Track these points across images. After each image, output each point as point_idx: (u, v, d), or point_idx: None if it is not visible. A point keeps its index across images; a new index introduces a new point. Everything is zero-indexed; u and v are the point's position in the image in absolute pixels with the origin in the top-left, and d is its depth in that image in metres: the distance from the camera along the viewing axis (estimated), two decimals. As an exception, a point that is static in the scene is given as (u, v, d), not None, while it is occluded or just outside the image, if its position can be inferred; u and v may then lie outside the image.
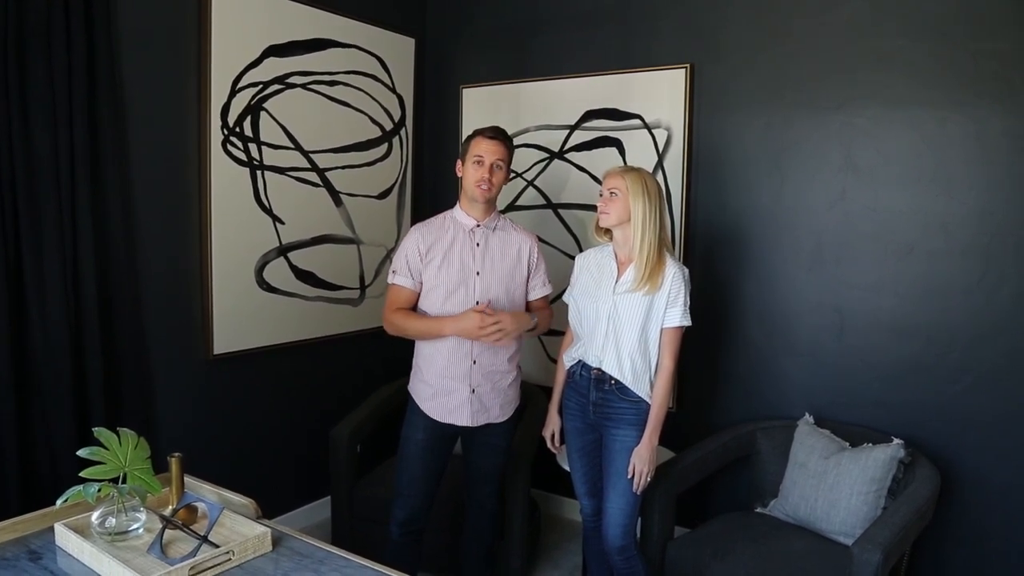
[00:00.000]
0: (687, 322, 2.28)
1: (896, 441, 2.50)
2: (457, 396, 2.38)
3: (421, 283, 2.40)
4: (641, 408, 2.29)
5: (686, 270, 2.32)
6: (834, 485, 2.49)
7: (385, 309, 2.43)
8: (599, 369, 2.31)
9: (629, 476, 2.27)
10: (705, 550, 2.45)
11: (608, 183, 2.27)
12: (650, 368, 2.30)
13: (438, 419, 2.39)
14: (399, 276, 2.39)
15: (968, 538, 2.65)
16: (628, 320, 2.26)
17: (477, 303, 2.36)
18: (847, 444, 2.62)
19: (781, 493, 2.69)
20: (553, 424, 2.51)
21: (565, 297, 2.49)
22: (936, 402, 2.67)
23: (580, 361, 2.39)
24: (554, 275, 2.62)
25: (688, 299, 2.28)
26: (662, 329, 2.28)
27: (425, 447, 2.41)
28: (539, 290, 2.52)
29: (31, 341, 2.31)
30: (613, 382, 2.29)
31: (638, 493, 2.30)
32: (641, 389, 2.28)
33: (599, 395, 2.32)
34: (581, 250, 2.60)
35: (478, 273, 2.38)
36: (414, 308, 2.43)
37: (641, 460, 2.27)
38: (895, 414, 2.73)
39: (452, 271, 2.36)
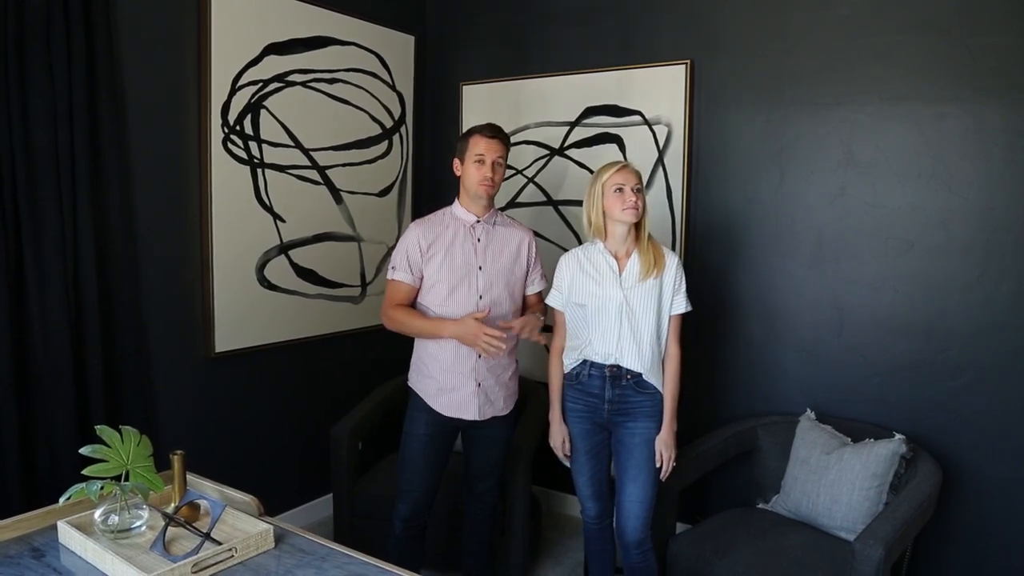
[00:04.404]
0: (690, 308, 2.38)
1: (898, 436, 2.50)
2: (464, 391, 2.39)
3: (421, 279, 2.41)
4: (656, 399, 2.33)
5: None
6: (836, 480, 2.50)
7: (384, 304, 2.45)
8: (615, 366, 2.32)
9: (658, 465, 2.31)
10: (706, 546, 2.46)
11: (631, 179, 2.29)
12: (661, 358, 2.35)
13: (447, 414, 2.40)
14: (398, 272, 2.40)
15: (968, 534, 2.66)
16: (642, 311, 2.30)
17: (480, 297, 2.37)
18: (849, 440, 2.63)
19: (783, 489, 2.70)
20: (562, 432, 2.43)
21: (554, 302, 2.45)
22: (935, 398, 2.67)
23: (585, 361, 2.37)
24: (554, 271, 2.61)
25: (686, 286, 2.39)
26: (670, 317, 2.35)
27: (427, 442, 2.43)
28: (537, 284, 2.55)
29: (32, 339, 2.31)
30: (629, 376, 2.31)
31: (664, 480, 2.35)
32: (656, 379, 2.33)
33: (616, 392, 2.32)
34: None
35: (480, 268, 2.39)
36: (414, 303, 2.44)
37: (667, 447, 2.32)
38: (894, 410, 2.73)
39: (454, 267, 2.37)
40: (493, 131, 2.38)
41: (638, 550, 2.34)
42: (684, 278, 2.36)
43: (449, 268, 2.37)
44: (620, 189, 2.28)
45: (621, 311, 2.30)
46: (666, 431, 2.33)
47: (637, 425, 2.33)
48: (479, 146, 2.35)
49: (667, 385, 2.34)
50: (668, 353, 2.36)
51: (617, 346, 2.31)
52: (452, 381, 2.39)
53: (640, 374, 2.30)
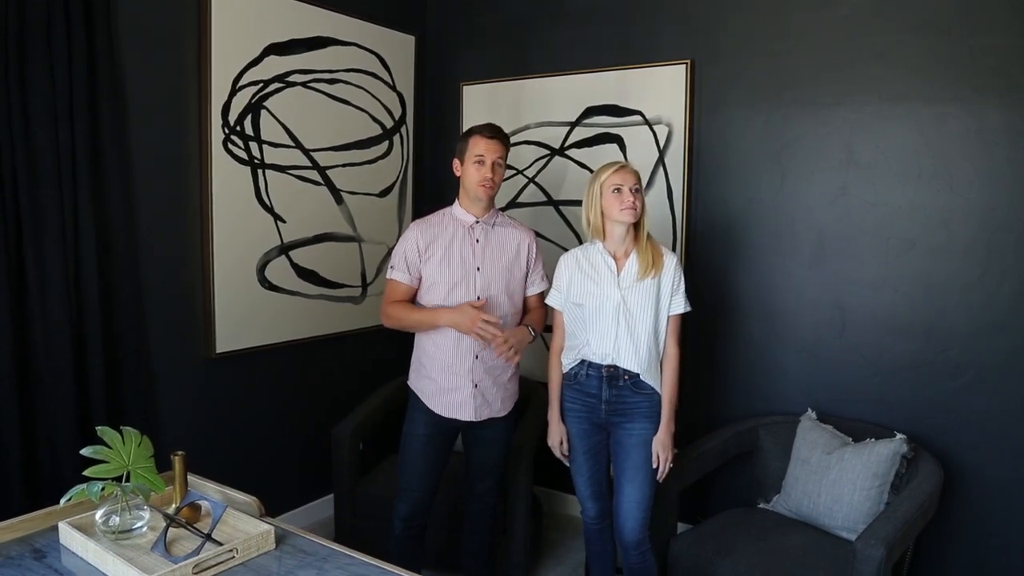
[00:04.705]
0: (689, 308, 2.36)
1: (899, 436, 2.50)
2: (461, 392, 2.39)
3: (419, 279, 2.41)
4: (654, 400, 2.32)
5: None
6: (837, 480, 2.50)
7: (383, 303, 2.46)
8: (612, 366, 2.31)
9: (654, 466, 2.30)
10: (708, 546, 2.46)
11: (629, 179, 2.27)
12: (659, 358, 2.33)
13: (443, 414, 2.41)
14: (396, 271, 2.42)
15: (969, 533, 2.65)
16: (640, 311, 2.29)
17: (478, 298, 2.37)
18: (850, 439, 2.63)
19: (784, 489, 2.70)
20: (560, 432, 2.44)
21: (553, 302, 2.45)
22: (936, 398, 2.67)
23: (583, 361, 2.37)
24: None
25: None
26: (668, 317, 2.33)
27: (427, 442, 2.43)
28: (537, 286, 2.53)
29: (33, 340, 2.31)
30: (627, 377, 2.30)
31: (661, 481, 2.34)
32: (654, 380, 2.32)
33: (613, 392, 2.32)
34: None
35: (478, 269, 2.39)
36: (414, 300, 2.45)
37: (664, 448, 2.31)
38: (895, 410, 2.73)
39: (453, 267, 2.37)
40: (493, 131, 2.37)
41: (637, 551, 2.34)
42: (683, 278, 2.35)
43: (447, 269, 2.37)
44: (618, 189, 2.27)
45: (618, 311, 2.29)
46: (663, 432, 2.32)
47: (634, 426, 2.32)
48: (479, 147, 2.35)
49: (665, 386, 2.34)
50: (666, 354, 2.35)
51: (614, 346, 2.30)
52: (449, 381, 2.39)
53: (637, 374, 2.30)
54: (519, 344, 2.36)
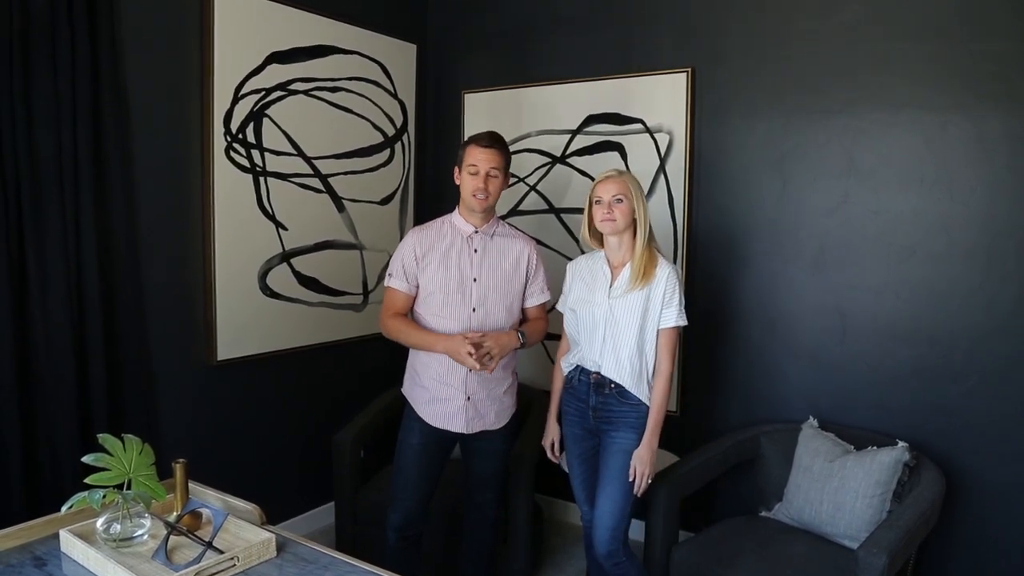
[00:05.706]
0: (683, 322, 2.29)
1: (901, 444, 2.49)
2: (453, 403, 2.36)
3: (417, 287, 2.39)
4: (641, 411, 2.30)
5: (678, 269, 2.36)
6: (839, 488, 2.49)
7: (382, 312, 2.44)
8: (598, 373, 2.31)
9: (631, 478, 2.27)
10: (710, 554, 2.45)
11: (609, 190, 2.25)
12: (648, 370, 2.30)
13: (435, 425, 2.39)
14: (394, 279, 2.40)
15: (971, 539, 2.65)
16: (625, 322, 2.27)
17: (474, 310, 2.35)
18: (851, 447, 2.62)
19: (785, 497, 2.69)
20: (552, 433, 2.50)
21: (559, 307, 2.49)
22: (937, 403, 2.66)
23: (578, 366, 2.39)
24: (557, 279, 2.61)
25: (683, 299, 2.30)
26: (658, 330, 2.29)
27: (420, 451, 2.41)
28: (536, 297, 2.49)
29: (34, 341, 2.31)
30: (612, 386, 2.30)
31: (639, 495, 2.29)
32: (641, 392, 2.29)
33: (599, 399, 2.32)
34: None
35: (475, 279, 2.36)
36: (412, 309, 2.43)
37: (641, 462, 2.26)
38: (896, 416, 2.73)
39: (449, 277, 2.35)
40: (490, 141, 2.32)
41: (609, 562, 2.30)
42: (678, 291, 2.28)
43: (443, 279, 2.34)
44: (598, 201, 2.27)
45: (605, 320, 2.29)
46: (644, 446, 2.27)
47: (618, 435, 2.31)
48: (473, 156, 2.31)
49: (652, 400, 2.29)
50: (657, 367, 2.30)
51: (600, 354, 2.31)
52: (443, 392, 2.37)
53: (622, 384, 2.29)
54: (502, 349, 2.29)
